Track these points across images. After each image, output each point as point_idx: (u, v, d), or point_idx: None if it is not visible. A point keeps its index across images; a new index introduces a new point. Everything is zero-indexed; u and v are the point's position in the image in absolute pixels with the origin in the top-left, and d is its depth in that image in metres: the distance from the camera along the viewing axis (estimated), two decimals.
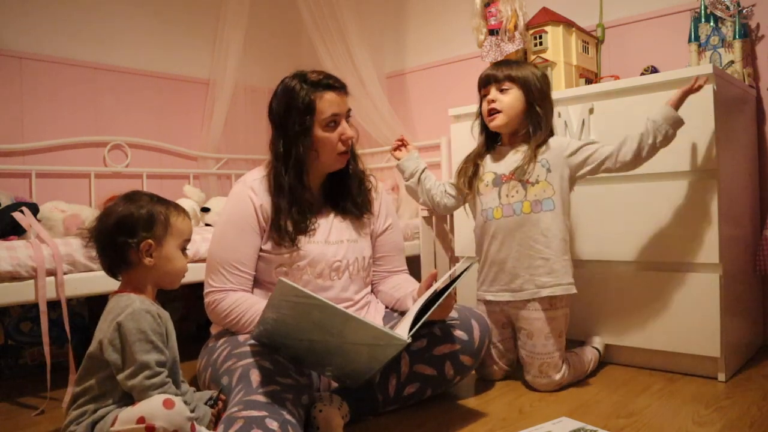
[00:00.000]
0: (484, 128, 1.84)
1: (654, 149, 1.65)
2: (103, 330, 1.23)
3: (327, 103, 1.56)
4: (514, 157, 1.76)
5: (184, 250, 1.35)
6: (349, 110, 1.64)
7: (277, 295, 1.26)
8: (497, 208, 1.76)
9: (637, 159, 1.67)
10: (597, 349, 1.90)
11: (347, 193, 1.68)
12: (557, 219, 1.72)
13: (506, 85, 1.74)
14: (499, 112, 1.74)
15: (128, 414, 1.15)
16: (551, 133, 1.78)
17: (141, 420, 1.12)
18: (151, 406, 1.14)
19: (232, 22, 2.97)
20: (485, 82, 1.78)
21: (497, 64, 1.81)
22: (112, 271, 1.33)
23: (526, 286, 1.72)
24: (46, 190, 2.47)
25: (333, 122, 1.58)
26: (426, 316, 1.37)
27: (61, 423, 1.59)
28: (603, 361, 1.93)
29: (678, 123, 1.64)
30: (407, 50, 3.17)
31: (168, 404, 1.14)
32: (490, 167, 1.81)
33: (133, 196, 1.32)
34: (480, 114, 1.83)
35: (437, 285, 1.52)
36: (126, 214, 1.28)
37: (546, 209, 1.71)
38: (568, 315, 1.77)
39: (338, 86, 1.59)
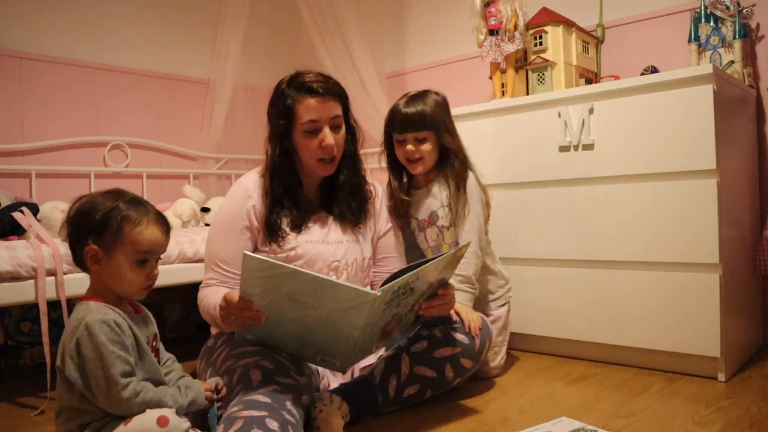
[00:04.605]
0: (395, 165, 1.86)
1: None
2: (65, 344, 1.16)
3: (305, 108, 1.53)
4: (430, 202, 1.83)
5: (143, 262, 1.22)
6: (337, 116, 1.58)
7: (245, 275, 1.22)
8: (427, 249, 1.89)
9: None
10: None
11: (340, 200, 1.67)
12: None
13: (422, 134, 1.77)
14: (420, 159, 1.79)
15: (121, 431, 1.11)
16: (466, 162, 1.83)
17: None
18: (145, 424, 1.10)
19: (232, 22, 2.97)
20: (401, 128, 1.78)
21: (409, 103, 1.78)
22: (78, 265, 1.25)
23: None
24: (46, 190, 2.47)
25: (313, 129, 1.55)
26: (405, 276, 1.31)
27: None
28: (603, 361, 1.94)
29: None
30: (407, 50, 3.17)
31: (162, 422, 1.10)
32: (413, 211, 1.87)
33: (108, 194, 1.23)
34: (387, 150, 1.86)
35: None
36: (81, 212, 1.20)
37: None
38: (509, 310, 1.94)
39: (321, 92, 1.53)
